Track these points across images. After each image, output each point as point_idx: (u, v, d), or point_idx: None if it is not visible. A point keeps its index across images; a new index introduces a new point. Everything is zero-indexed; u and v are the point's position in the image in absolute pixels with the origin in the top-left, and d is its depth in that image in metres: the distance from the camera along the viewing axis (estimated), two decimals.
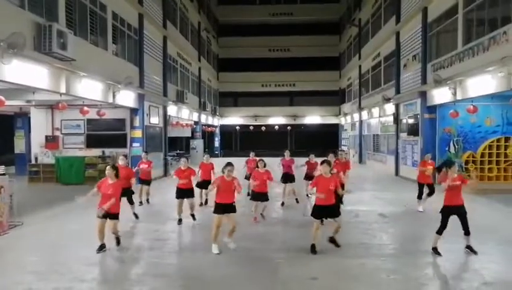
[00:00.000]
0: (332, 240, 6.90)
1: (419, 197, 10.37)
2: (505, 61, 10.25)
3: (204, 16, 30.96)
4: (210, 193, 7.20)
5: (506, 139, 15.02)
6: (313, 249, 6.75)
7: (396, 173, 19.14)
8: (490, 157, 14.97)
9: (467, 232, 6.59)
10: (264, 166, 8.97)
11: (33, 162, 16.51)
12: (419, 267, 6.15)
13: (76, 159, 15.90)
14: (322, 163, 6.90)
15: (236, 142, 39.54)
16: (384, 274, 5.93)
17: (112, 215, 6.73)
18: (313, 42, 36.24)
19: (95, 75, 12.40)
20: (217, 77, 36.90)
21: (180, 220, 8.98)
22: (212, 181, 10.64)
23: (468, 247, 6.66)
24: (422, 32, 16.36)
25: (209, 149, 34.19)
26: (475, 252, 6.58)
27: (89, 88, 12.33)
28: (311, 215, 6.88)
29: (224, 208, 6.70)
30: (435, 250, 6.64)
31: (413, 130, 17.03)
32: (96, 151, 16.38)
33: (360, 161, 27.30)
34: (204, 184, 10.54)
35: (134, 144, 16.32)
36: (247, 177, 11.00)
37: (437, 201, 10.49)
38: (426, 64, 16.14)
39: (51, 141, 16.55)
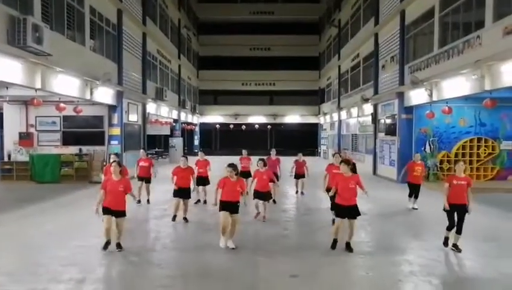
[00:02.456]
0: (348, 246, 6.74)
1: (410, 195, 10.56)
2: (478, 64, 10.60)
3: (184, 13, 30.67)
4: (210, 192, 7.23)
5: (479, 140, 15.58)
6: (334, 245, 6.77)
7: (374, 172, 19.50)
8: (464, 157, 15.48)
9: (459, 231, 6.69)
10: (265, 165, 8.98)
11: (6, 159, 15.99)
12: (396, 264, 6.28)
13: (51, 157, 15.50)
14: (341, 162, 6.89)
15: (216, 140, 39.38)
16: (363, 271, 6.04)
17: (119, 212, 6.66)
18: (293, 42, 36.47)
19: (72, 71, 12.12)
20: (197, 74, 36.65)
21: (174, 217, 8.91)
22: (209, 177, 11.06)
23: (454, 245, 6.75)
24: (400, 35, 16.72)
25: (188, 147, 33.96)
26: (459, 250, 6.68)
27: (66, 84, 12.04)
28: (334, 213, 6.85)
29: (229, 206, 6.73)
30: (446, 241, 6.85)
31: (390, 130, 17.39)
32: (72, 149, 16.02)
33: None
34: (200, 181, 10.73)
35: (113, 142, 16.04)
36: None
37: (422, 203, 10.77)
38: (404, 66, 16.51)
39: (25, 138, 16.07)
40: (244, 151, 12.80)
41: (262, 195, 8.83)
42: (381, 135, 18.86)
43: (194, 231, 8.40)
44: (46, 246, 7.06)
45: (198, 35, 36.86)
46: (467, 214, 6.70)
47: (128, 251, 6.76)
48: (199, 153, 11.86)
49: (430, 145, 15.86)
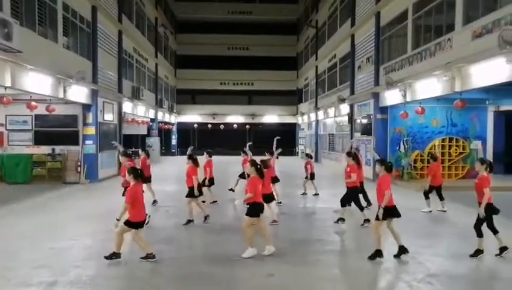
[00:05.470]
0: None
1: (427, 198, 10.12)
2: (449, 66, 10.93)
3: (161, 11, 30.30)
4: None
5: (450, 140, 16.04)
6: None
7: None
8: None
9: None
10: (265, 167, 8.65)
11: None
12: (371, 261, 6.40)
13: (23, 157, 15.02)
14: (377, 161, 6.61)
15: (194, 140, 39.05)
16: (337, 269, 6.13)
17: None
18: (272, 42, 36.60)
19: (44, 69, 11.77)
20: (174, 73, 36.28)
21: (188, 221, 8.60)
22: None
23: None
24: (376, 36, 17.03)
25: (166, 147, 33.57)
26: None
27: (37, 82, 11.68)
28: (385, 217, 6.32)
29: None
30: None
31: (366, 130, 17.70)
32: (45, 149, 15.57)
33: (316, 159, 27.95)
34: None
35: (87, 142, 15.69)
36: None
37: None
38: (379, 67, 16.83)
39: None
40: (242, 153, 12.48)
41: (266, 198, 8.32)
42: (357, 134, 19.17)
43: (170, 229, 8.31)
44: (16, 248, 6.84)
45: (175, 34, 36.49)
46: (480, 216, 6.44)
47: (101, 253, 6.63)
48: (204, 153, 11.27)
49: (404, 144, 16.23)
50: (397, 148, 16.21)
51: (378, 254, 6.30)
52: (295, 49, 37.29)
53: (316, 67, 28.85)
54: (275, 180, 10.80)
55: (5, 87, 10.28)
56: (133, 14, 22.45)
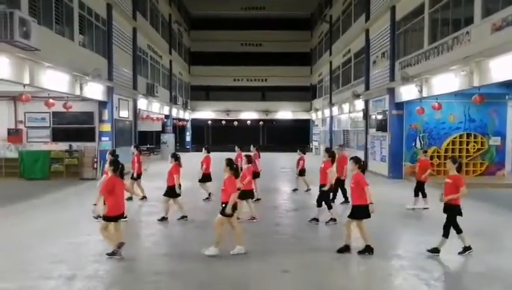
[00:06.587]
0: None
1: (424, 195, 10.05)
2: (467, 61, 10.69)
3: (175, 8, 30.45)
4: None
5: (468, 136, 15.73)
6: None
7: (366, 167, 19.58)
8: (453, 152, 15.63)
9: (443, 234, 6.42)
10: (249, 162, 8.68)
11: None
12: (386, 258, 6.33)
13: (41, 153, 15.33)
14: (352, 159, 6.72)
15: (208, 136, 39.26)
16: (354, 266, 6.09)
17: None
18: (285, 37, 36.44)
19: (61, 66, 11.98)
20: (188, 70, 36.46)
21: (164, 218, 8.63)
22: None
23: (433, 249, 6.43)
24: (391, 31, 16.78)
25: (180, 144, 33.82)
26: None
27: (55, 79, 11.90)
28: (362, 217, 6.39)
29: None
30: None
31: (381, 126, 17.49)
32: (62, 145, 15.85)
33: None
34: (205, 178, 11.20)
35: (103, 138, 15.91)
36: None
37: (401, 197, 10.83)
38: (394, 62, 16.58)
39: (13, 134, 15.86)
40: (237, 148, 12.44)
41: (246, 194, 8.37)
42: (372, 130, 18.95)
43: (184, 227, 8.38)
44: (35, 243, 7.00)
45: (189, 31, 36.64)
46: (449, 218, 6.52)
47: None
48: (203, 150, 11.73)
49: (420, 141, 15.99)
50: (413, 144, 15.97)
51: (368, 249, 6.37)
52: (309, 44, 37.03)
53: (330, 62, 28.59)
54: (256, 175, 10.76)
55: (24, 85, 10.49)
56: (147, 11, 22.62)
